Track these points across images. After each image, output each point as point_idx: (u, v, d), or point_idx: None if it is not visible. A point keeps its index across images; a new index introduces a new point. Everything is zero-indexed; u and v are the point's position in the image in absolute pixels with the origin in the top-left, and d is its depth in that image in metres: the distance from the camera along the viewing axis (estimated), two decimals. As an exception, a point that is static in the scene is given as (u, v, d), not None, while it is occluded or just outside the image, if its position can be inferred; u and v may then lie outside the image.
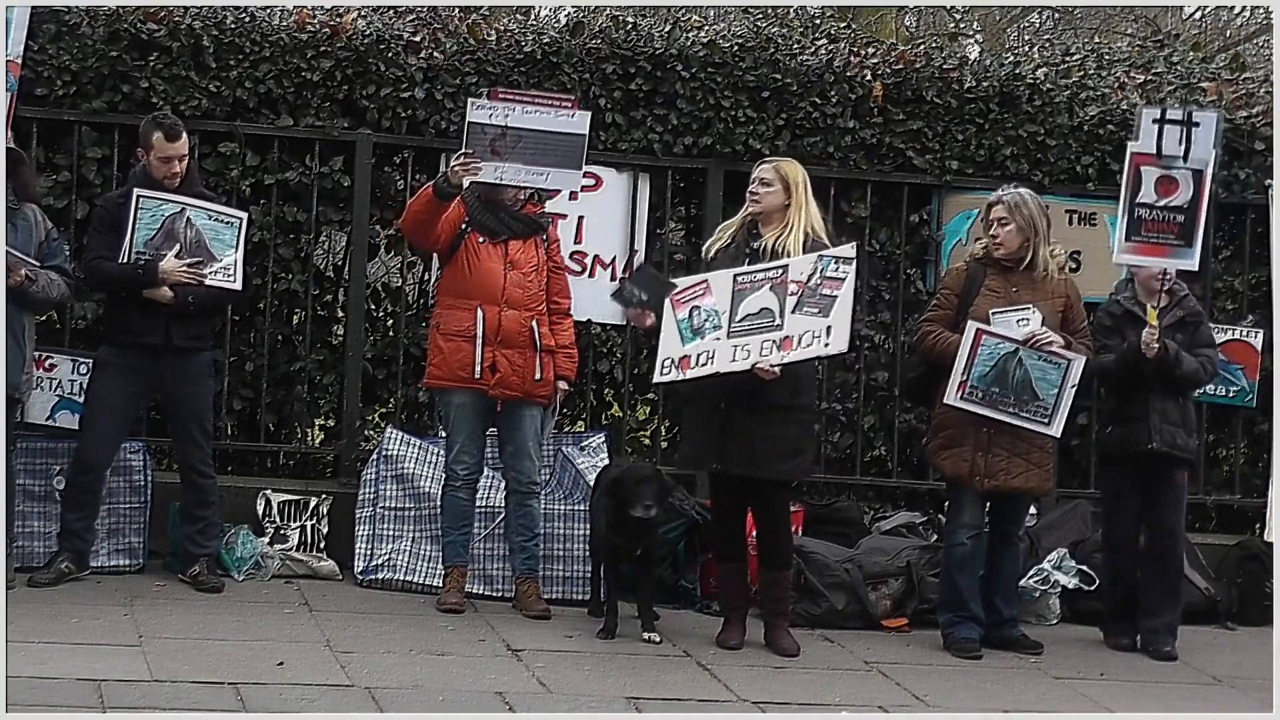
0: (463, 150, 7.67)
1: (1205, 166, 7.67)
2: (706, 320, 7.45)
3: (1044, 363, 7.56)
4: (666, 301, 7.52)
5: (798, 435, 7.58)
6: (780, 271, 7.41)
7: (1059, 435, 7.65)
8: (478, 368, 7.74)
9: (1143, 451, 7.92)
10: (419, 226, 7.80)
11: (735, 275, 7.47)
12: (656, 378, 7.57)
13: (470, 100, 7.91)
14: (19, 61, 8.15)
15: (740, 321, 7.39)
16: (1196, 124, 7.69)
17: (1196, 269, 7.91)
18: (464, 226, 7.83)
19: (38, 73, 8.62)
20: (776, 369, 7.29)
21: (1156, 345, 7.76)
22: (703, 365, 7.40)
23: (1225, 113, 9.58)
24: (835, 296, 7.31)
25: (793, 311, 7.33)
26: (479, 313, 7.76)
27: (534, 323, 7.84)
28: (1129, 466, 8.01)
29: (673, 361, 7.49)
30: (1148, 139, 7.74)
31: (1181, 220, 7.70)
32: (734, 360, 7.34)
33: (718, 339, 7.40)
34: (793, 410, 7.50)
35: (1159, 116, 7.78)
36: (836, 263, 7.36)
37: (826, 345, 7.32)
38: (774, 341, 7.32)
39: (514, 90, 8.19)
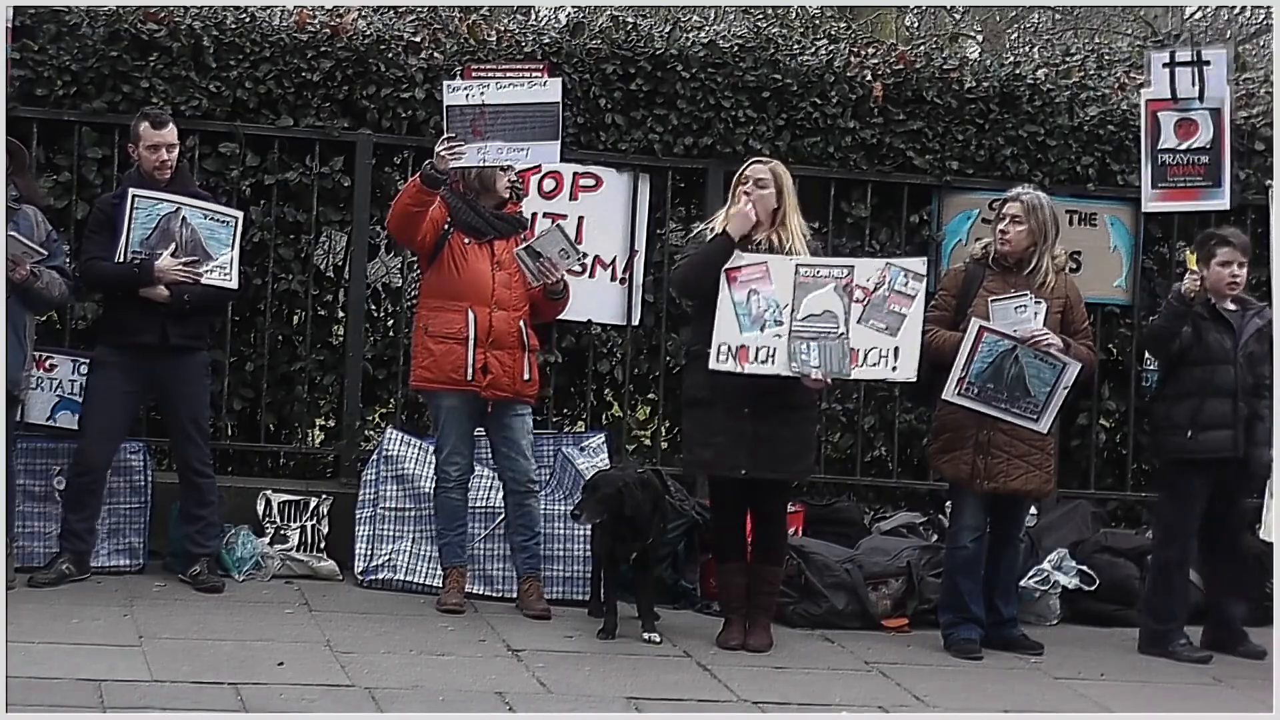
0: (445, 135, 7.68)
1: (1222, 104, 7.61)
2: (767, 311, 7.32)
3: (1040, 361, 7.55)
4: (721, 278, 7.40)
5: (810, 434, 7.67)
6: (846, 272, 7.35)
7: (1045, 432, 7.62)
8: (470, 370, 7.73)
9: (1229, 459, 7.89)
10: (408, 220, 7.76)
11: (797, 265, 7.37)
12: (713, 364, 7.35)
13: (445, 84, 7.89)
14: (9, 27, 8.15)
15: (803, 321, 7.30)
16: (1207, 62, 7.63)
17: (1228, 207, 7.85)
18: (446, 227, 7.82)
19: (38, 73, 8.63)
20: (829, 380, 7.27)
21: (1196, 290, 7.71)
22: (763, 363, 7.29)
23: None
24: (904, 315, 7.26)
25: (858, 321, 7.27)
26: (470, 314, 7.75)
27: (521, 323, 7.84)
28: (1205, 471, 7.95)
29: (730, 350, 7.34)
30: (1160, 84, 7.67)
31: (1206, 161, 7.64)
32: (794, 363, 7.25)
33: (778, 335, 7.30)
34: (805, 409, 7.54)
35: (1168, 60, 7.71)
36: (906, 276, 7.31)
37: (894, 369, 7.25)
38: (839, 352, 7.24)
39: (485, 65, 8.18)
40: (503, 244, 7.87)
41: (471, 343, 7.73)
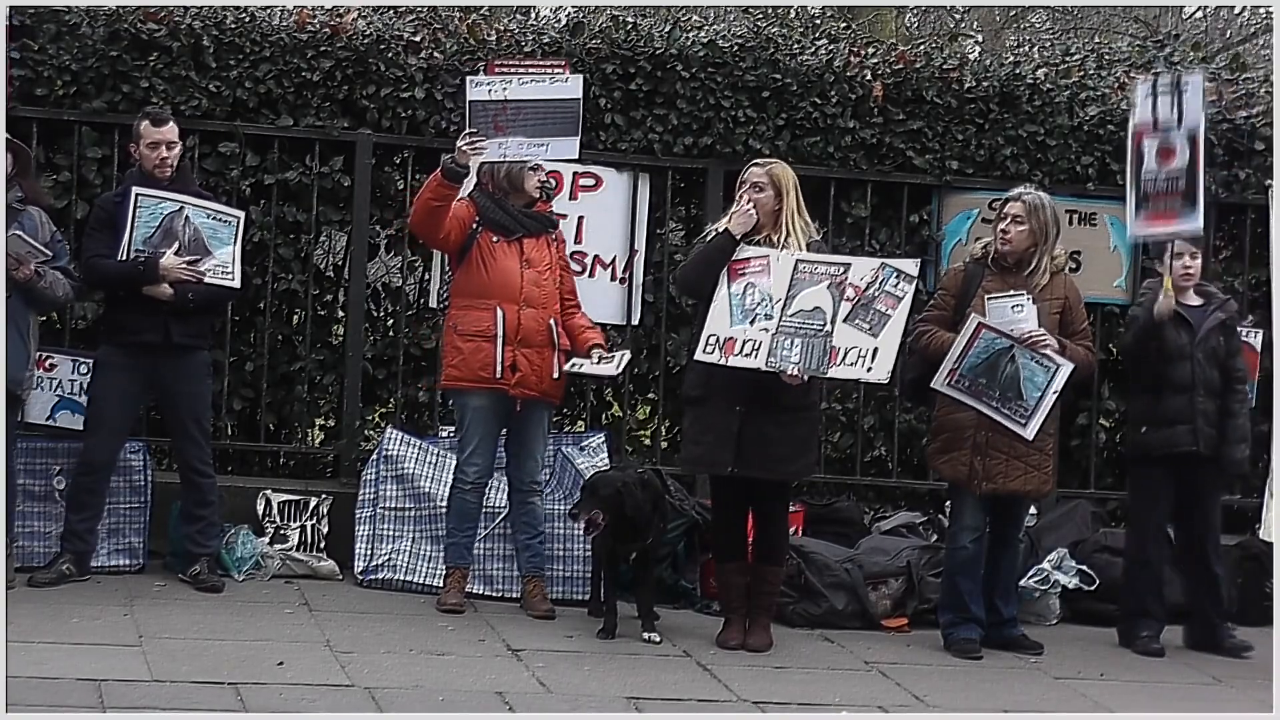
0: (467, 129, 7.69)
1: (1197, 129, 7.72)
2: (759, 305, 7.36)
3: (1035, 364, 7.55)
4: (723, 273, 7.43)
5: (808, 435, 7.63)
6: (842, 270, 7.37)
7: (1030, 438, 7.59)
8: (499, 368, 7.73)
9: (1184, 454, 7.93)
10: (430, 215, 7.74)
11: (797, 260, 7.40)
12: (699, 355, 7.42)
13: (469, 79, 7.88)
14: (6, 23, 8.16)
15: (791, 316, 7.32)
16: (1184, 89, 7.75)
17: (1201, 231, 7.92)
18: (475, 225, 7.82)
19: (38, 73, 8.63)
20: (805, 378, 7.28)
21: (1169, 312, 7.78)
22: (746, 356, 7.32)
23: (1224, 111, 9.62)
24: (889, 316, 7.27)
25: (844, 320, 7.29)
26: (498, 312, 7.74)
27: (551, 321, 7.84)
28: (1166, 466, 8.00)
29: (717, 340, 7.38)
30: (1144, 110, 7.80)
31: (1183, 185, 7.72)
32: (773, 358, 7.26)
33: (765, 329, 7.32)
34: (803, 410, 7.51)
35: (1151, 89, 7.83)
36: (898, 278, 7.32)
37: (869, 370, 7.26)
38: (820, 350, 7.27)
39: (509, 61, 8.18)
40: (532, 242, 7.86)
41: (500, 340, 7.72)
